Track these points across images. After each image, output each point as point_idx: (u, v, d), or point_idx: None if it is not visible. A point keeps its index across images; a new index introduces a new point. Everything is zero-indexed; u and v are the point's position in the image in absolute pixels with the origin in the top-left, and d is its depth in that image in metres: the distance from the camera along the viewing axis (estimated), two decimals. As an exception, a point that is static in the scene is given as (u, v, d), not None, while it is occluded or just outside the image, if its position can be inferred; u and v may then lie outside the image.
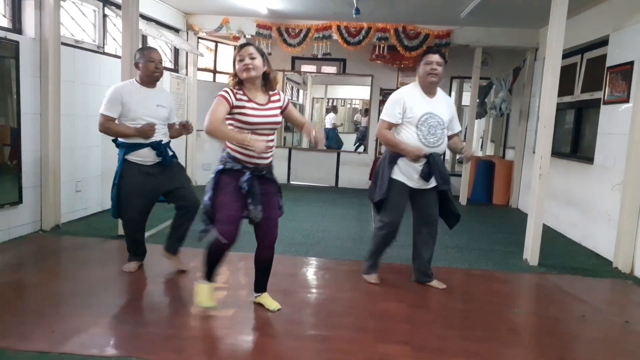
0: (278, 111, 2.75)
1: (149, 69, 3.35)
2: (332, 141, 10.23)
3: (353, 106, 11.90)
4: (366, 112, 9.62)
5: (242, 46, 2.68)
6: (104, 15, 5.37)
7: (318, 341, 2.63)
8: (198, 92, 7.34)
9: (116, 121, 3.35)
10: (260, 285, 3.02)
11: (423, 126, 3.27)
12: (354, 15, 5.92)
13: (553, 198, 5.56)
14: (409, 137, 3.30)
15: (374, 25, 6.90)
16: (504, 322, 3.04)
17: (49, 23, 4.25)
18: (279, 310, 2.93)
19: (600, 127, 4.84)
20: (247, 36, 7.13)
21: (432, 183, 3.35)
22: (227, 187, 2.66)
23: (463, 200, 7.14)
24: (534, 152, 4.74)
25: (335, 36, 6.98)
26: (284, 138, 8.95)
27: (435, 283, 3.54)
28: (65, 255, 3.98)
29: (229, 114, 2.62)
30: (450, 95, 8.03)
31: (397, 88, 7.89)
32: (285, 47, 7.14)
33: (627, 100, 4.38)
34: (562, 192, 5.59)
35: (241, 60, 2.62)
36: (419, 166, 3.29)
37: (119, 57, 4.79)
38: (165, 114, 3.47)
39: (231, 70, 2.72)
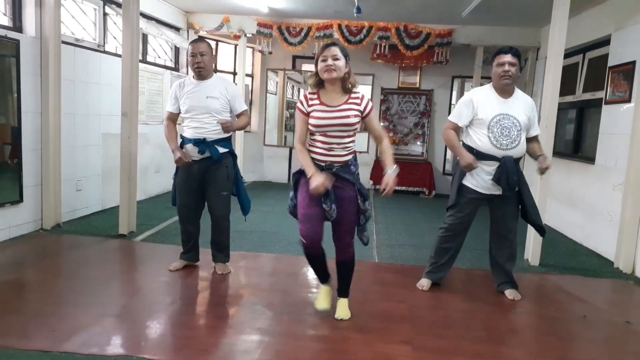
0: (353, 113, 2.64)
1: (191, 64, 3.37)
2: None
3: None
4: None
5: (327, 46, 2.63)
6: (105, 14, 5.36)
7: (318, 341, 2.63)
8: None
9: (182, 117, 3.44)
10: (340, 288, 2.97)
11: (495, 127, 3.13)
12: (355, 14, 5.92)
13: (554, 198, 5.55)
14: (480, 139, 3.17)
15: (375, 24, 6.89)
16: (505, 323, 3.03)
17: (50, 21, 4.24)
18: (341, 319, 2.86)
19: (602, 127, 4.83)
20: (247, 35, 7.12)
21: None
22: (303, 187, 2.70)
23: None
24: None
25: (336, 35, 6.96)
26: (285, 137, 8.94)
27: (510, 293, 3.40)
28: (66, 254, 3.97)
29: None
30: (451, 94, 8.05)
31: (399, 87, 8.09)
32: (286, 46, 7.13)
33: (628, 100, 4.37)
34: (563, 192, 5.58)
35: (324, 61, 2.60)
36: (491, 170, 3.17)
37: (119, 55, 4.78)
38: (216, 106, 3.34)
39: (313, 69, 2.71)
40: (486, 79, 7.21)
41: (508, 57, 3.17)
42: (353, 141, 2.73)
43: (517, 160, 3.22)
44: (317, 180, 2.53)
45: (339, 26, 6.94)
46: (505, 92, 3.21)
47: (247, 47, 7.42)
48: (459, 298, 3.41)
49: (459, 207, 3.33)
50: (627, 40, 4.51)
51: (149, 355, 2.35)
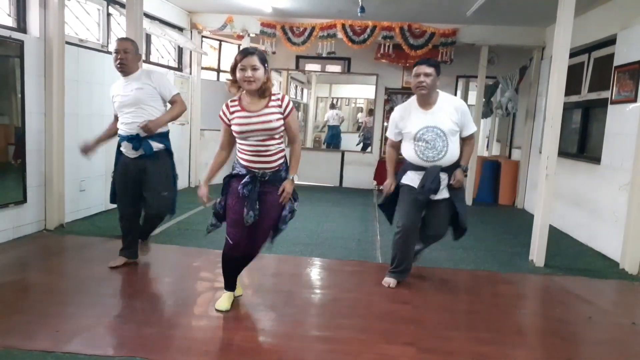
0: (275, 116, 2.66)
1: (114, 60, 3.38)
2: (338, 139, 10.21)
3: (357, 105, 11.88)
4: (370, 111, 9.64)
5: (245, 54, 2.61)
6: (108, 14, 5.37)
7: (322, 342, 2.62)
8: (202, 91, 7.34)
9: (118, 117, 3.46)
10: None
11: (420, 142, 3.25)
12: (359, 14, 5.89)
13: (559, 198, 5.52)
14: (408, 151, 3.34)
15: (379, 24, 6.87)
16: (510, 324, 3.01)
17: (54, 22, 4.25)
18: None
19: (608, 126, 4.80)
20: (251, 35, 7.12)
21: (441, 195, 3.30)
22: (234, 192, 2.73)
23: (469, 200, 7.08)
24: (540, 152, 4.70)
25: (340, 35, 6.95)
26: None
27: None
28: (69, 254, 3.98)
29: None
30: (455, 94, 8.01)
31: (403, 87, 8.07)
32: (290, 46, 7.12)
33: (634, 100, 4.33)
34: (568, 192, 5.55)
35: (243, 70, 2.60)
36: (413, 180, 3.33)
37: (123, 56, 4.77)
38: (142, 96, 3.30)
39: (229, 73, 2.70)
40: (491, 78, 7.25)
41: (423, 68, 3.21)
42: (280, 144, 2.73)
43: (447, 168, 3.28)
44: (201, 192, 2.76)
45: (343, 26, 6.93)
46: (425, 103, 3.28)
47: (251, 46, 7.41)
48: (463, 299, 3.39)
49: (404, 203, 3.45)
50: (633, 40, 4.48)
51: (151, 356, 2.35)
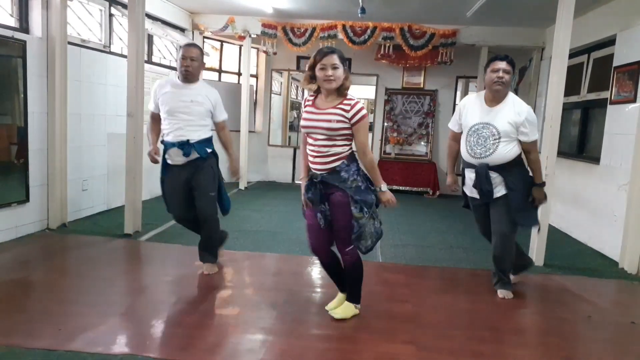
0: (337, 118, 2.55)
1: (179, 65, 3.37)
2: None
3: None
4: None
5: (326, 53, 2.56)
6: (110, 15, 5.39)
7: (322, 340, 2.64)
8: (203, 91, 7.34)
9: (162, 117, 3.42)
10: (343, 286, 3.01)
11: (472, 136, 3.23)
12: (359, 15, 5.92)
13: (559, 198, 5.53)
14: (462, 145, 3.33)
15: (380, 25, 6.89)
16: (510, 323, 3.03)
17: (56, 22, 4.27)
18: (334, 316, 2.86)
19: (607, 127, 4.82)
20: (252, 35, 7.14)
21: (499, 192, 3.23)
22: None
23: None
24: (539, 152, 4.71)
25: (341, 35, 6.98)
26: (289, 138, 8.96)
27: (501, 291, 3.42)
28: (72, 253, 4.00)
29: None
30: (455, 95, 8.04)
31: (403, 87, 8.08)
32: (291, 47, 7.14)
33: (634, 100, 4.35)
34: (567, 192, 5.57)
35: (323, 69, 2.55)
36: (473, 177, 3.28)
37: (125, 56, 4.81)
38: (200, 110, 3.36)
39: (307, 71, 2.65)
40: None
41: (503, 64, 3.16)
42: (344, 147, 2.62)
43: (498, 167, 3.19)
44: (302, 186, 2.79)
45: (343, 27, 6.95)
46: (494, 100, 3.23)
47: (252, 47, 7.44)
48: (463, 298, 3.41)
49: (473, 210, 3.49)
50: (633, 40, 4.50)
51: (153, 355, 2.37)
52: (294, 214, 5.60)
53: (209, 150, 3.43)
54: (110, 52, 5.37)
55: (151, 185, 6.22)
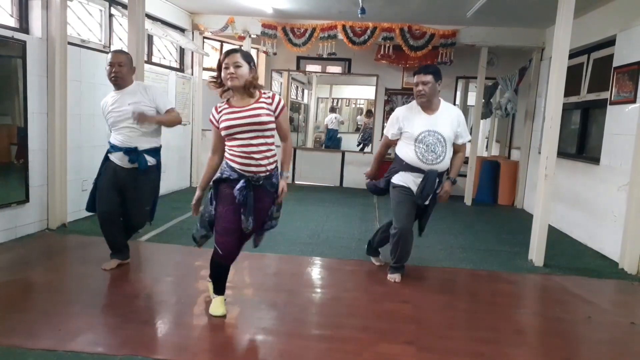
0: (263, 112, 2.62)
1: (108, 73, 3.36)
2: (336, 141, 10.34)
3: (358, 106, 11.91)
4: (368, 113, 9.73)
5: (228, 53, 2.63)
6: (110, 15, 5.39)
7: (322, 341, 2.64)
8: (203, 91, 7.36)
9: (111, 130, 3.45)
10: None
11: (421, 144, 3.34)
12: (359, 15, 5.92)
13: (559, 199, 5.54)
14: (407, 152, 3.41)
15: (380, 25, 6.89)
16: (509, 323, 3.03)
17: (56, 23, 4.27)
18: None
19: (607, 127, 4.82)
20: (252, 36, 7.14)
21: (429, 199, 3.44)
22: (226, 198, 2.67)
23: (468, 200, 7.10)
24: (539, 153, 4.71)
25: (341, 36, 6.97)
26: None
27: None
28: (72, 254, 4.00)
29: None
30: (455, 95, 8.04)
31: (403, 88, 8.08)
32: (291, 47, 7.14)
33: (633, 101, 4.35)
34: (567, 192, 5.57)
35: (226, 68, 2.60)
36: (418, 181, 3.39)
37: (125, 56, 4.78)
38: (144, 110, 3.31)
39: (217, 71, 2.69)
40: (490, 79, 7.27)
41: (420, 77, 3.34)
42: (270, 145, 2.69)
43: (440, 174, 3.42)
44: (196, 198, 2.82)
45: (343, 27, 6.95)
46: (427, 108, 3.41)
47: (252, 48, 7.44)
48: (463, 298, 3.41)
49: (399, 199, 3.54)
50: (633, 41, 4.50)
51: (154, 355, 2.37)
52: (294, 214, 5.60)
53: (153, 162, 3.45)
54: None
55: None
